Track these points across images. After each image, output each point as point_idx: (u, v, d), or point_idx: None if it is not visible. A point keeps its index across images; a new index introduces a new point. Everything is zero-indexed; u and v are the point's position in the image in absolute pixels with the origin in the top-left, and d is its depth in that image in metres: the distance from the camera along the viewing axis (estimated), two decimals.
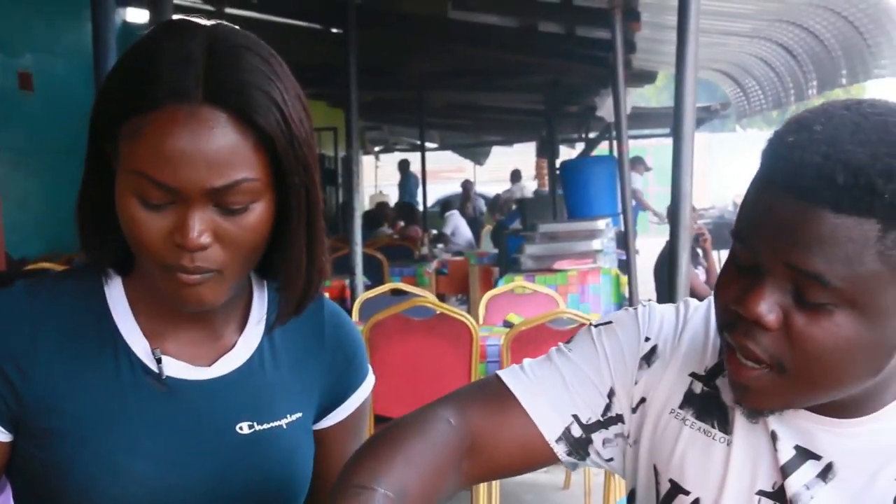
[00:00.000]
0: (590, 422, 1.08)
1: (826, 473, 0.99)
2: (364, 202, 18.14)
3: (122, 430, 1.04)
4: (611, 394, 1.08)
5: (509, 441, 1.06)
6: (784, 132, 0.93)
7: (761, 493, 1.01)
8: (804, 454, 1.00)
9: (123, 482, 1.02)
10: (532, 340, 3.63)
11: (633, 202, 11.09)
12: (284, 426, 1.11)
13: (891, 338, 0.91)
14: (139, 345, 1.06)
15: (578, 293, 6.12)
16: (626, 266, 5.92)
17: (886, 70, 7.63)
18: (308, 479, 1.15)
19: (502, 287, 5.16)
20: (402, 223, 11.82)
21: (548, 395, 1.07)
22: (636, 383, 1.08)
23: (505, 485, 4.26)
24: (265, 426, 1.10)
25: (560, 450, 1.07)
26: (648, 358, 1.09)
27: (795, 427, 1.00)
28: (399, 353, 3.75)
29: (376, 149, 20.32)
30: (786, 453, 1.00)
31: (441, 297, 9.11)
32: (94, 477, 1.02)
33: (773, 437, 1.01)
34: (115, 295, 1.07)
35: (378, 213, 11.72)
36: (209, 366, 1.09)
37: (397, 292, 5.19)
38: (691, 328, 1.10)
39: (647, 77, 9.54)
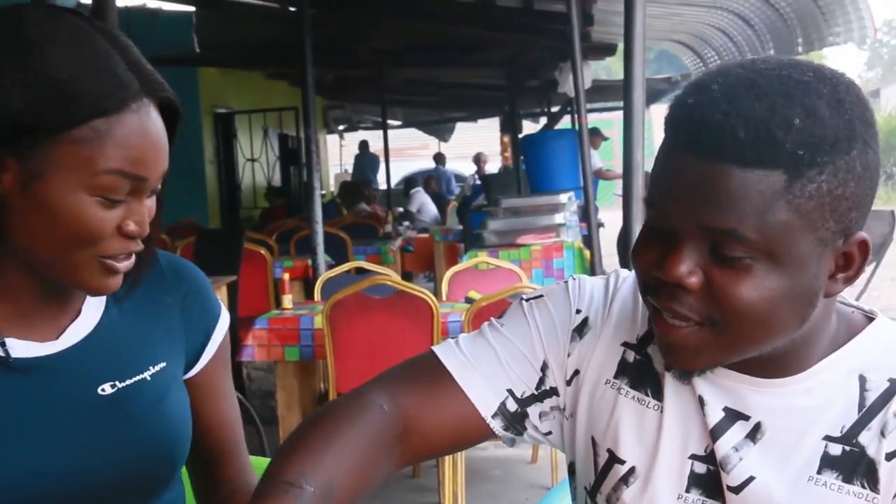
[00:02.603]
0: (524, 396, 1.08)
1: (755, 434, 1.00)
2: (330, 181, 18.07)
3: None
4: (544, 367, 1.09)
5: (444, 420, 1.06)
6: (683, 95, 0.95)
7: (694, 456, 1.02)
8: (733, 415, 1.01)
9: None
10: (493, 315, 3.63)
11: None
12: (149, 378, 1.14)
13: (811, 285, 0.93)
14: None
15: (542, 268, 6.13)
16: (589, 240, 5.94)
17: (840, 38, 7.69)
18: (186, 425, 1.18)
19: (465, 263, 5.14)
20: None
21: (482, 371, 1.07)
22: (569, 355, 1.09)
23: (472, 461, 4.28)
24: (128, 382, 1.12)
25: (496, 425, 1.07)
26: (580, 330, 1.10)
27: (723, 389, 1.01)
28: (360, 331, 3.73)
29: (340, 127, 20.22)
30: (715, 416, 1.01)
31: (408, 275, 9.11)
32: None
33: (701, 401, 1.02)
34: None
35: (356, 190, 11.65)
36: (56, 339, 1.10)
37: (361, 271, 5.17)
38: (620, 298, 1.10)
39: (606, 49, 9.53)
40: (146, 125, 1.01)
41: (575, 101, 5.62)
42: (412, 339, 3.70)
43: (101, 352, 1.12)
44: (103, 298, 1.15)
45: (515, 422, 1.09)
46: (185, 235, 6.83)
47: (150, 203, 1.06)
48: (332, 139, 20.20)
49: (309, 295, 5.49)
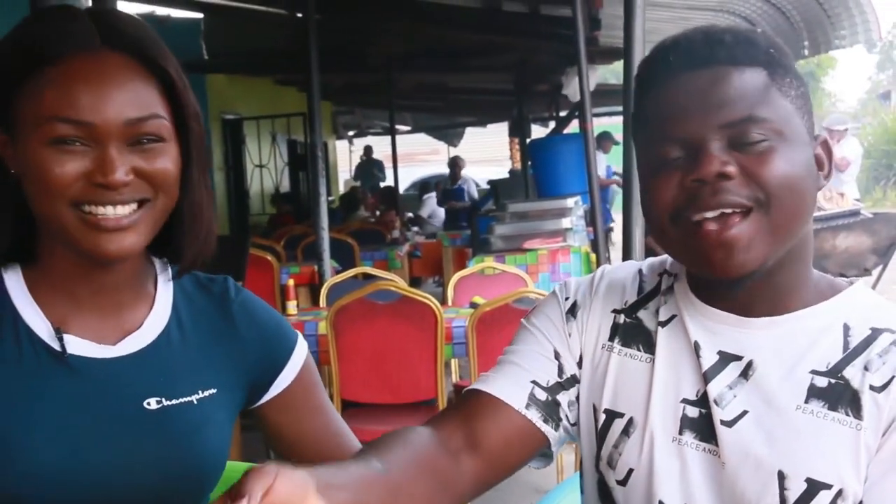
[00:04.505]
0: (549, 384, 1.17)
1: (747, 371, 1.08)
2: (339, 187, 18.08)
3: (26, 413, 1.05)
4: (556, 355, 1.19)
5: (487, 426, 1.14)
6: (654, 50, 1.12)
7: (685, 401, 1.11)
8: (727, 358, 1.09)
9: (29, 463, 1.03)
10: (497, 320, 3.63)
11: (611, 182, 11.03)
12: (195, 401, 1.15)
13: (813, 164, 1.08)
14: (41, 326, 1.09)
15: (549, 272, 6.12)
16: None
17: (846, 41, 7.69)
18: (222, 455, 1.19)
19: (471, 268, 5.15)
20: (382, 207, 11.82)
21: (504, 377, 1.18)
22: (570, 335, 1.19)
23: None
24: (174, 402, 1.14)
25: (534, 416, 1.15)
26: (572, 311, 1.21)
27: (716, 333, 1.11)
28: (364, 337, 3.73)
29: (350, 133, 20.23)
30: (709, 360, 1.10)
31: (416, 280, 9.11)
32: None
33: (696, 347, 1.11)
34: (14, 283, 1.10)
35: (354, 197, 11.68)
36: (114, 345, 1.12)
37: (369, 277, 5.17)
38: (608, 279, 1.22)
39: (614, 54, 9.51)
40: (91, 72, 1.02)
41: (580, 106, 5.61)
42: (416, 344, 3.70)
43: (154, 367, 1.14)
44: (166, 317, 1.17)
45: (551, 411, 1.17)
46: None
47: (154, 162, 1.05)
48: (341, 145, 20.23)
49: (315, 300, 5.50)
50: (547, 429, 1.16)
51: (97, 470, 1.07)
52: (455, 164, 14.09)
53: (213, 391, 1.17)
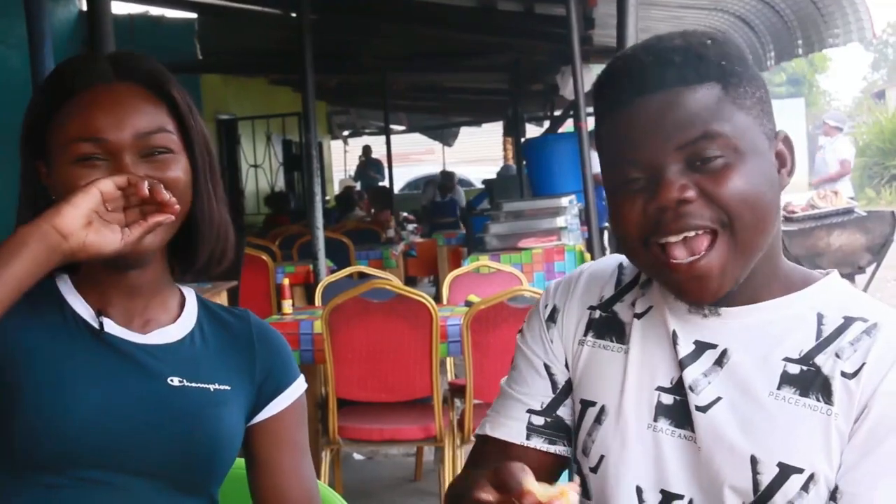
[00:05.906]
0: (545, 405, 1.21)
1: (721, 359, 1.11)
2: (334, 187, 18.07)
3: (70, 379, 1.22)
4: (547, 368, 1.21)
5: None
6: (604, 73, 1.13)
7: (660, 388, 1.13)
8: (702, 347, 1.12)
9: (72, 418, 1.19)
10: (492, 318, 3.63)
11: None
12: (212, 390, 1.30)
13: (773, 172, 1.09)
14: (84, 311, 1.28)
15: (544, 271, 6.13)
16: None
17: (839, 39, 7.71)
18: (236, 439, 1.33)
19: (466, 267, 5.15)
20: (374, 208, 11.79)
21: (503, 414, 1.23)
22: (552, 342, 1.22)
23: None
24: (194, 384, 1.29)
25: (537, 443, 1.20)
26: (552, 316, 1.24)
27: (693, 324, 1.13)
28: (359, 335, 3.73)
29: (345, 133, 20.21)
30: (685, 349, 1.12)
31: (412, 280, 9.10)
32: (42, 415, 1.18)
33: (674, 336, 1.13)
34: (63, 284, 1.30)
35: (350, 197, 11.66)
36: (145, 334, 1.30)
37: (364, 276, 5.17)
38: (586, 276, 1.24)
39: (609, 53, 9.52)
40: (105, 98, 1.22)
41: (574, 105, 5.62)
42: (411, 342, 3.70)
43: (177, 358, 1.31)
44: (191, 325, 1.34)
45: (556, 430, 1.20)
46: None
47: (165, 171, 1.22)
48: (336, 145, 20.21)
49: (311, 300, 5.50)
50: (557, 449, 1.20)
51: (126, 433, 1.22)
52: (450, 177, 13.72)
53: (227, 387, 1.32)
